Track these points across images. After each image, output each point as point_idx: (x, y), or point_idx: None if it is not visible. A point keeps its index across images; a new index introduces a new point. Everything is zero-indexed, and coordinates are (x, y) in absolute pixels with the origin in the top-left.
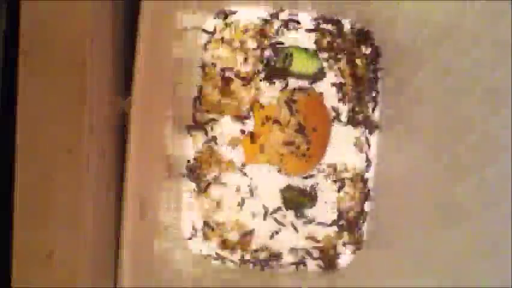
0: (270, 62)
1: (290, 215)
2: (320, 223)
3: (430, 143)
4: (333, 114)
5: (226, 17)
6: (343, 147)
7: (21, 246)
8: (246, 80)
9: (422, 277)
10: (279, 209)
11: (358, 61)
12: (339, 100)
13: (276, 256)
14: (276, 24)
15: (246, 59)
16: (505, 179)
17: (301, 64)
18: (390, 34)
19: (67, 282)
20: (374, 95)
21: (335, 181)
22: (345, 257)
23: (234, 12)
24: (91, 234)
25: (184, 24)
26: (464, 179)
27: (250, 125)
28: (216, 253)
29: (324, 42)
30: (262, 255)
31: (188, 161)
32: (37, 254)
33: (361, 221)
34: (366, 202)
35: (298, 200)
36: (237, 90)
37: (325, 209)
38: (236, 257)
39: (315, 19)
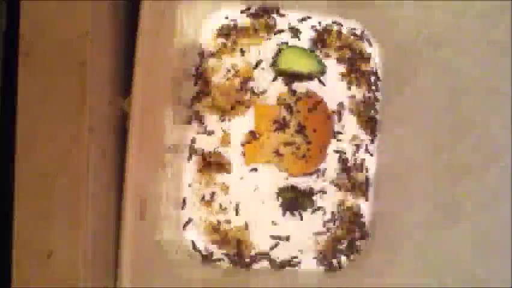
0: (271, 63)
1: (290, 215)
2: (319, 223)
3: (430, 143)
4: (334, 114)
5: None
6: (343, 147)
7: (21, 246)
8: (247, 80)
9: (422, 277)
10: (279, 209)
11: (358, 61)
12: (339, 100)
13: (276, 257)
14: (278, 23)
15: (246, 59)
16: (505, 179)
17: (291, 62)
18: (390, 34)
19: (67, 282)
20: (374, 95)
21: (334, 181)
22: (345, 257)
23: (237, 11)
24: (91, 235)
25: (184, 24)
26: (464, 179)
27: (250, 125)
28: (216, 253)
29: (324, 42)
30: (262, 256)
31: (188, 160)
32: (37, 254)
33: (361, 221)
34: (366, 202)
35: (298, 201)
36: (238, 90)
37: (325, 209)
38: (236, 257)
39: (315, 19)
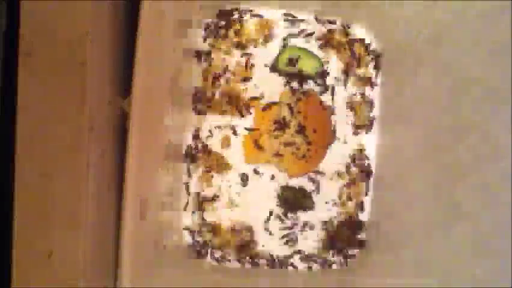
0: (271, 63)
1: (290, 215)
2: (319, 223)
3: (430, 143)
4: (334, 114)
5: (230, 15)
6: (343, 148)
7: (21, 246)
8: (247, 80)
9: (422, 277)
10: (279, 209)
11: (358, 61)
12: (340, 100)
13: (276, 256)
14: (277, 23)
15: (246, 59)
16: (505, 179)
17: (291, 62)
18: (390, 34)
19: (67, 282)
20: (374, 94)
21: (334, 181)
22: (345, 257)
23: (237, 12)
24: (91, 234)
25: (184, 24)
26: (464, 179)
27: (250, 125)
28: (216, 253)
29: (324, 42)
30: (263, 256)
31: (188, 160)
32: (37, 254)
33: (361, 221)
34: (366, 201)
35: (298, 201)
36: (238, 90)
37: (325, 209)
38: (236, 257)
39: (316, 19)
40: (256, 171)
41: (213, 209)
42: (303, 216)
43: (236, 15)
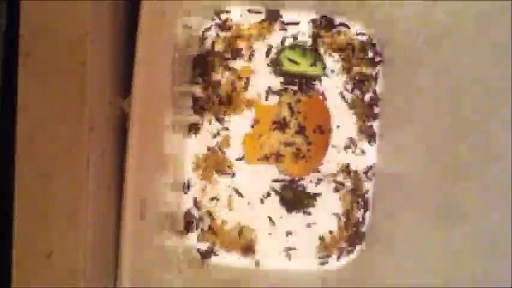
0: (271, 63)
1: (290, 215)
2: (319, 223)
3: (430, 143)
4: (334, 114)
5: (220, 18)
6: (343, 147)
7: (21, 246)
8: (247, 80)
9: (422, 277)
10: (279, 209)
11: (359, 61)
12: (340, 100)
13: (277, 256)
14: (278, 24)
15: (247, 59)
16: (505, 179)
17: (292, 62)
18: (390, 34)
19: (67, 282)
20: (374, 95)
21: (335, 181)
22: (345, 256)
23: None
24: (91, 234)
25: (184, 24)
26: (464, 179)
27: (251, 125)
28: (216, 253)
29: (325, 42)
30: (263, 255)
31: (189, 161)
32: (37, 254)
33: (361, 221)
34: (366, 202)
35: (298, 200)
36: (239, 90)
37: (325, 209)
38: (236, 257)
39: (315, 19)
40: (256, 172)
41: (213, 209)
42: (303, 215)
43: (238, 15)
